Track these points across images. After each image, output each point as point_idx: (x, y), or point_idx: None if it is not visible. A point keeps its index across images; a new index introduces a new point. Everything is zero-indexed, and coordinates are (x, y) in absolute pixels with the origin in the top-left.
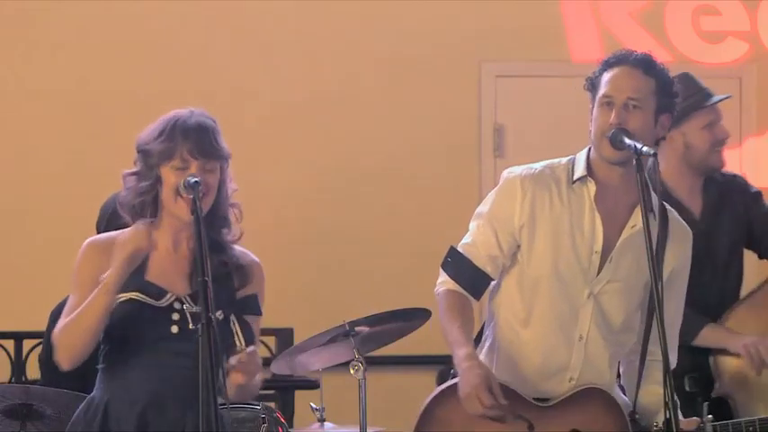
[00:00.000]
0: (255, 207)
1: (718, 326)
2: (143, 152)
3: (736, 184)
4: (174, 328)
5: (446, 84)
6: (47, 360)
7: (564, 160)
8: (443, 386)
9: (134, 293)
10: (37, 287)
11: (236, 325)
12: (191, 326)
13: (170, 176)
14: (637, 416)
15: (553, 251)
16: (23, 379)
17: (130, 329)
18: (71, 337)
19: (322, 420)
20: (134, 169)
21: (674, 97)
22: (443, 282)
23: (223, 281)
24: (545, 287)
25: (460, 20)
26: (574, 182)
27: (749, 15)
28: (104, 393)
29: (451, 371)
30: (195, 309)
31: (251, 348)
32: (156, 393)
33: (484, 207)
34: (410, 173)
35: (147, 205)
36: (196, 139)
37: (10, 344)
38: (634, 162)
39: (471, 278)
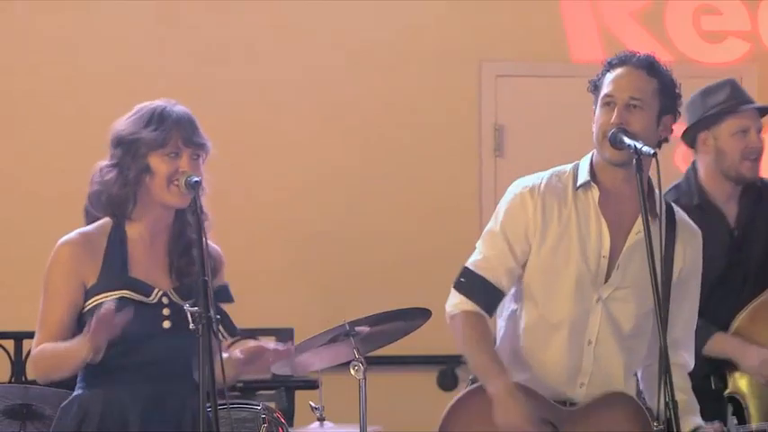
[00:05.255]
0: (255, 208)
1: (726, 336)
2: (129, 142)
3: None
4: (166, 324)
5: (446, 84)
6: None
7: (569, 167)
8: (465, 392)
9: (124, 291)
10: (37, 288)
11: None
12: (191, 326)
13: (161, 165)
14: (658, 426)
15: (563, 257)
16: (23, 379)
17: (122, 329)
18: (47, 373)
19: (321, 419)
20: (112, 161)
21: (678, 98)
22: (458, 303)
23: (196, 274)
24: (555, 292)
25: (460, 20)
26: (578, 188)
27: (750, 15)
28: (96, 393)
29: (470, 377)
30: (195, 309)
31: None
32: (154, 391)
33: (494, 222)
34: (410, 173)
35: (131, 196)
36: (188, 128)
37: (10, 344)
38: (634, 162)
39: (487, 296)
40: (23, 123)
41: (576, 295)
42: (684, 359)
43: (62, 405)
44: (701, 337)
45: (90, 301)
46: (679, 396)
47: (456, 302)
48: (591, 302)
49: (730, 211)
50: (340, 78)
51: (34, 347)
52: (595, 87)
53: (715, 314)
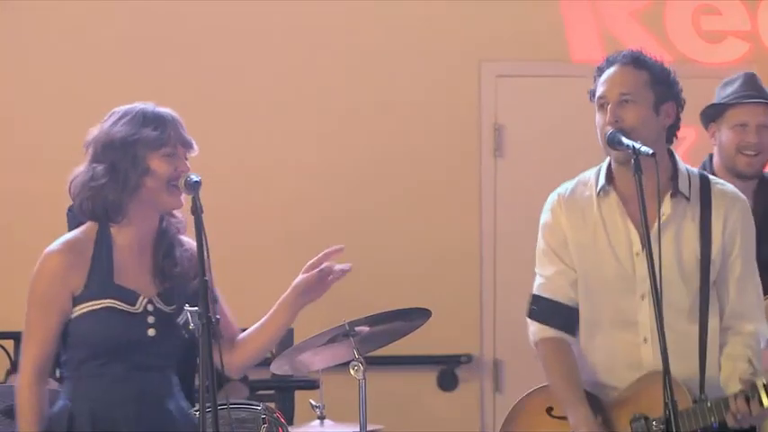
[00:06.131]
0: (255, 207)
1: None
2: (128, 144)
3: None
4: (151, 332)
5: (446, 84)
6: None
7: (593, 173)
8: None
9: (109, 301)
10: None
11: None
12: (191, 326)
13: (162, 165)
14: (703, 396)
15: (596, 262)
16: None
17: (107, 337)
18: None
19: (322, 418)
20: (103, 165)
21: (674, 85)
22: (537, 331)
23: (179, 276)
24: (596, 297)
25: (460, 20)
26: (599, 193)
27: (749, 15)
28: (82, 402)
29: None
30: (195, 308)
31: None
32: (138, 398)
33: (541, 241)
34: (410, 173)
35: (126, 201)
36: (180, 128)
37: (10, 344)
38: (632, 162)
39: (561, 317)
40: (22, 123)
41: (617, 298)
42: (748, 328)
43: (51, 416)
44: None
45: (77, 309)
46: (728, 363)
47: (535, 330)
48: (635, 301)
49: None
50: (340, 78)
51: (25, 366)
52: (593, 95)
53: None
